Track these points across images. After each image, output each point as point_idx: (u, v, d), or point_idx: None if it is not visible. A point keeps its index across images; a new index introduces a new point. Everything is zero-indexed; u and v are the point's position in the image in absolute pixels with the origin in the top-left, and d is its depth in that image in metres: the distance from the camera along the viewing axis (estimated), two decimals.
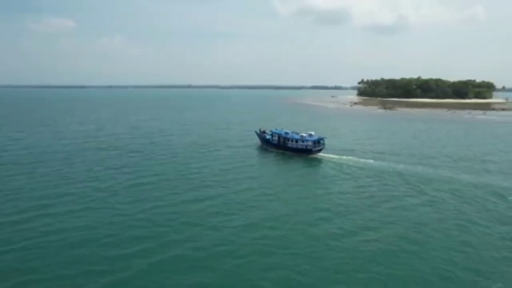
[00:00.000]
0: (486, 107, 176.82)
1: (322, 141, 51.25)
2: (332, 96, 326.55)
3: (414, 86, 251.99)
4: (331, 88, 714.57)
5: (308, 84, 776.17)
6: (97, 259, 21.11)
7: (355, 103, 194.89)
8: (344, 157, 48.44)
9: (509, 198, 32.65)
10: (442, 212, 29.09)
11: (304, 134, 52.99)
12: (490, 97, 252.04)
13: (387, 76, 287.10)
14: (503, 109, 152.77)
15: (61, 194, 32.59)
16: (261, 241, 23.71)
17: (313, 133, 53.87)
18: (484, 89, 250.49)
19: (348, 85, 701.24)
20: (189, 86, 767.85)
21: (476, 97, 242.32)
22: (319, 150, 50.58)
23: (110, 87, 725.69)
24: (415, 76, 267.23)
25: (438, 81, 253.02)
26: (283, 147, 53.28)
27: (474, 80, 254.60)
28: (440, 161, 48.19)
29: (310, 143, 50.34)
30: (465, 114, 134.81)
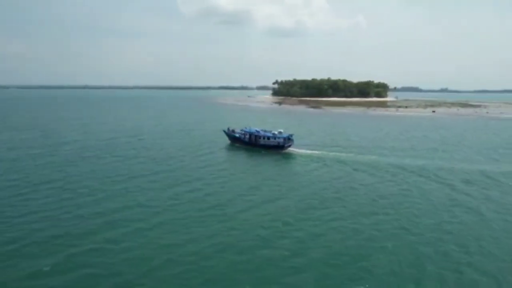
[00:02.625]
0: (383, 104, 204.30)
1: (291, 138, 56.15)
2: (249, 96, 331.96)
3: (326, 86, 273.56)
4: (238, 88, 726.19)
5: (215, 85, 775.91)
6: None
7: (280, 103, 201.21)
8: (310, 151, 54.16)
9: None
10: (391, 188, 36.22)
11: (275, 132, 57.11)
12: (386, 95, 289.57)
13: (290, 76, 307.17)
14: (406, 107, 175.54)
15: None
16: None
17: (282, 130, 58.33)
18: (381, 89, 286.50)
19: (254, 85, 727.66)
20: (85, 87, 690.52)
21: (376, 95, 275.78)
22: (289, 146, 55.22)
23: None
24: (316, 77, 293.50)
25: (345, 82, 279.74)
26: (255, 145, 57.03)
27: (373, 81, 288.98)
28: (390, 149, 57.56)
29: (281, 140, 54.95)
30: (383, 111, 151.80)
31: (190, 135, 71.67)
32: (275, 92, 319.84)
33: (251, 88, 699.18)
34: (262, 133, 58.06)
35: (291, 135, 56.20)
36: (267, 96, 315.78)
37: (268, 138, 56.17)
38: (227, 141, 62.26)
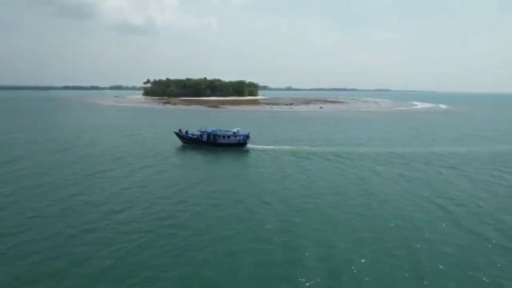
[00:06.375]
0: (252, 101, 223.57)
1: (249, 136, 59.33)
2: (116, 96, 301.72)
3: (204, 86, 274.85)
4: (88, 88, 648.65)
5: (58, 84, 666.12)
6: None
7: (175, 104, 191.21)
8: (266, 146, 58.02)
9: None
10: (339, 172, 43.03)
11: (234, 131, 59.65)
12: (257, 94, 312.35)
13: (145, 76, 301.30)
14: (292, 104, 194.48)
15: None
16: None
17: (239, 129, 61.00)
18: (253, 88, 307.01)
19: (107, 85, 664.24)
20: None
21: (249, 94, 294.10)
22: (247, 143, 58.28)
23: None
24: (172, 76, 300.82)
25: (220, 81, 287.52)
26: (214, 143, 58.13)
27: (244, 81, 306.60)
28: (332, 140, 66.33)
29: (242, 137, 57.75)
30: (280, 108, 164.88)
31: (128, 142, 63.66)
32: (148, 92, 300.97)
33: (104, 88, 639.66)
34: (223, 132, 59.26)
35: (249, 133, 58.94)
36: (139, 96, 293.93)
37: (229, 136, 58.00)
38: (177, 143, 60.61)
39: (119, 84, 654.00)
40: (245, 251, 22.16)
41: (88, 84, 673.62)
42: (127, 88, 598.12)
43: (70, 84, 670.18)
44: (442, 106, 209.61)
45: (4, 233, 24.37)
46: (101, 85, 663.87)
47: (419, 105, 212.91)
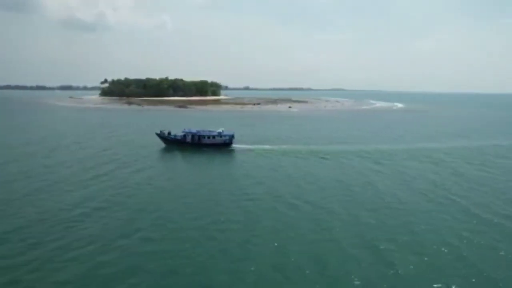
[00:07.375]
0: (217, 101, 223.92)
1: (233, 136, 59.67)
2: (71, 97, 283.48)
3: (166, 86, 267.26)
4: (33, 88, 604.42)
5: None
6: None
7: (140, 105, 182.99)
8: (251, 146, 58.62)
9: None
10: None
11: (219, 131, 59.70)
12: (220, 94, 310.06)
13: (97, 76, 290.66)
14: (259, 103, 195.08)
15: None
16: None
17: (224, 129, 61.04)
18: (215, 87, 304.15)
19: (55, 84, 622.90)
20: None
21: (212, 94, 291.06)
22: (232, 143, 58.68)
23: None
24: (129, 76, 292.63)
25: (183, 81, 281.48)
26: (199, 144, 57.61)
27: (207, 81, 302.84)
28: (311, 139, 67.42)
29: (227, 137, 57.84)
30: (250, 108, 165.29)
31: (110, 145, 60.89)
32: (105, 92, 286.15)
33: (52, 88, 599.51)
34: (206, 132, 59.17)
35: (233, 133, 59.29)
36: (96, 97, 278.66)
37: (214, 137, 57.83)
38: (160, 144, 59.15)
39: (68, 84, 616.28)
40: (290, 244, 22.77)
41: (33, 84, 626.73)
42: (78, 88, 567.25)
43: (11, 83, 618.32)
44: (398, 104, 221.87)
45: (54, 238, 23.27)
46: (48, 85, 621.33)
47: (378, 104, 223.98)
